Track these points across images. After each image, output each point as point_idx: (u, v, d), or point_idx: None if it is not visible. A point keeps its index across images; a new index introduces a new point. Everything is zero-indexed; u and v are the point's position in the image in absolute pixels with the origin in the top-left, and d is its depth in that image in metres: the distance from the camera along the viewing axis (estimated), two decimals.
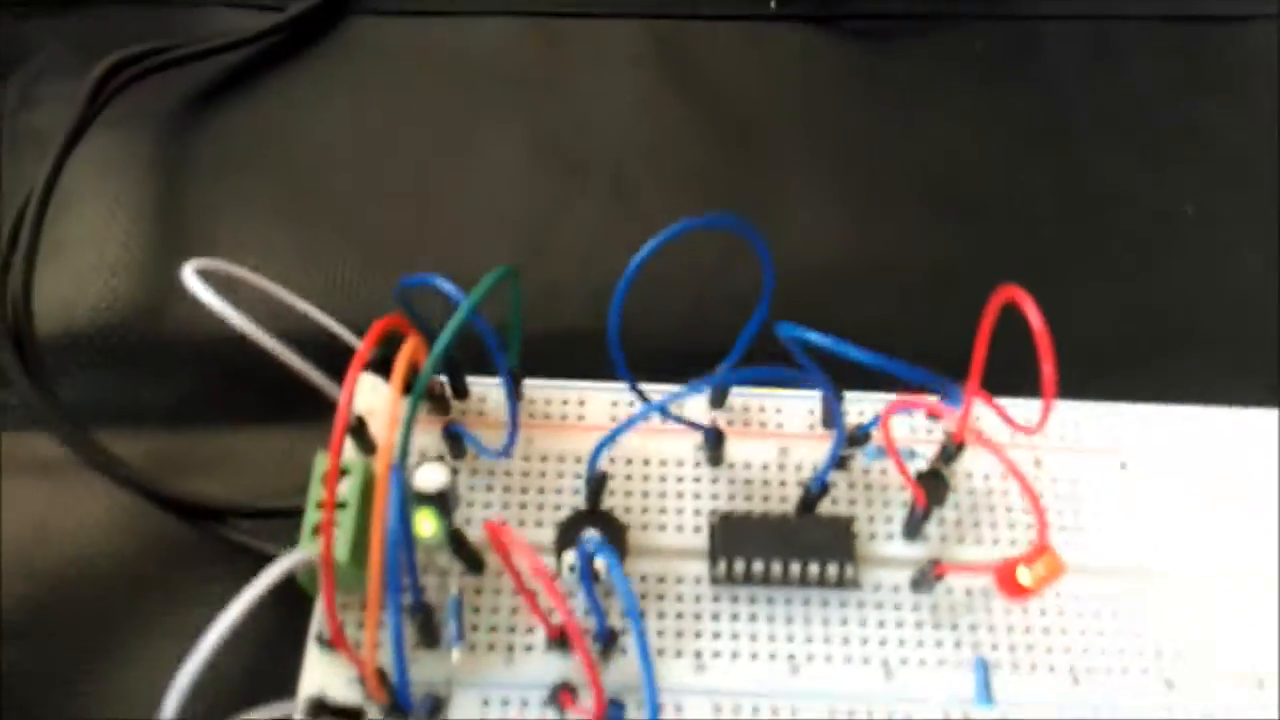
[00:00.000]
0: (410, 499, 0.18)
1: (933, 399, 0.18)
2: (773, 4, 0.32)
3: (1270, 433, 0.23)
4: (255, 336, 0.18)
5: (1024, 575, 0.18)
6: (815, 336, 0.18)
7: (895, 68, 0.31)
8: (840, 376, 0.20)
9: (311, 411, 0.21)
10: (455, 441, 0.22)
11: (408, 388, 0.18)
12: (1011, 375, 0.20)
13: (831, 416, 0.21)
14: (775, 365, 0.19)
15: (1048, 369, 0.17)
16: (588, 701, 0.19)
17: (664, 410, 0.20)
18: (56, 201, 0.25)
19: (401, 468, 0.16)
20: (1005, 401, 0.21)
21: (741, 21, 0.32)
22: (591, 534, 0.17)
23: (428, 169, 0.29)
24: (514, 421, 0.21)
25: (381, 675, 0.18)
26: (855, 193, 0.29)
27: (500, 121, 0.30)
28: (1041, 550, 0.18)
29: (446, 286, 0.18)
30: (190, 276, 0.18)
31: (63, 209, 0.26)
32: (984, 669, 0.20)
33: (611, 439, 0.18)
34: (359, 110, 0.30)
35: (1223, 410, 0.23)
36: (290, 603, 0.20)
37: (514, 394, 0.21)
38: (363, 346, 0.17)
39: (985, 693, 0.20)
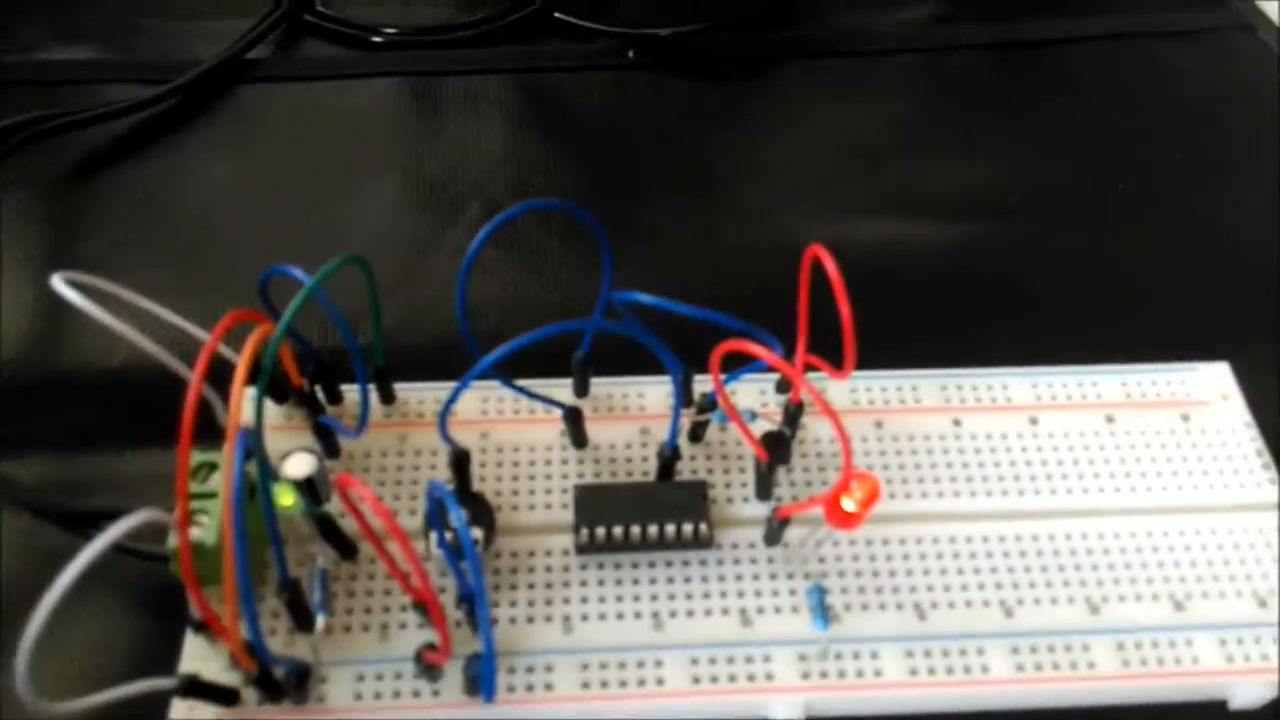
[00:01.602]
0: (270, 474, 0.19)
1: (754, 345, 0.19)
2: (630, 54, 0.35)
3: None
4: (127, 335, 0.19)
5: (847, 502, 0.19)
6: (645, 297, 0.20)
7: (736, 101, 0.34)
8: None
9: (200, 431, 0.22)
10: (328, 439, 0.23)
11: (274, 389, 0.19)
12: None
13: (681, 389, 0.22)
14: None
15: (845, 311, 0.19)
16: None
17: (491, 373, 0.21)
18: None
19: (249, 435, 0.17)
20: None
21: (602, 71, 0.35)
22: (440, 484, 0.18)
23: (310, 215, 0.31)
24: (364, 399, 0.22)
25: (250, 648, 0.19)
26: (703, 212, 0.31)
27: (379, 170, 0.32)
28: (854, 477, 0.19)
29: (296, 273, 0.19)
30: (59, 283, 0.19)
31: None
32: (819, 593, 0.21)
33: (452, 400, 0.20)
34: (244, 166, 0.32)
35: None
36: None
37: (365, 374, 0.23)
38: (214, 333, 0.18)
39: (821, 616, 0.21)
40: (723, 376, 0.21)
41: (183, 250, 0.29)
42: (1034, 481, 0.24)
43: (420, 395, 0.24)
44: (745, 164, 0.33)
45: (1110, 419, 0.25)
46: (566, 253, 0.29)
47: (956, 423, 0.25)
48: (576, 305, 0.28)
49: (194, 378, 0.18)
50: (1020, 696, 0.21)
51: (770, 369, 0.20)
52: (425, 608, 0.20)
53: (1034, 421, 0.25)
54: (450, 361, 0.24)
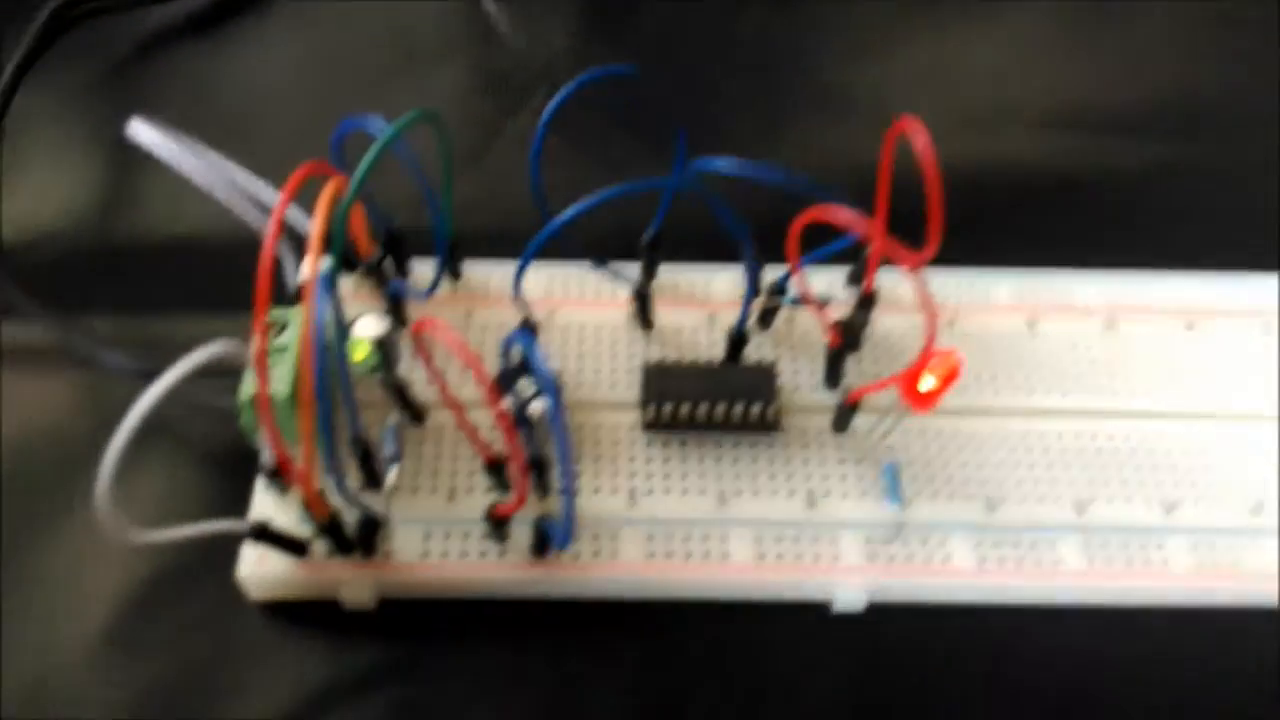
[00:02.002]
0: (344, 327, 0.19)
1: (843, 211, 0.19)
2: None
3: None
4: (203, 180, 0.19)
5: (925, 381, 0.19)
6: (724, 164, 0.19)
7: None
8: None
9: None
10: (398, 307, 0.23)
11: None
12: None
13: (748, 270, 0.22)
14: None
15: (932, 184, 0.19)
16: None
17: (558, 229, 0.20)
18: (14, 126, 0.27)
19: (332, 273, 0.17)
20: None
21: None
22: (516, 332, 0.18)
23: (372, 101, 0.30)
24: (443, 255, 0.22)
25: (322, 497, 0.19)
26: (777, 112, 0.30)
27: (442, 56, 0.31)
28: (934, 354, 0.19)
29: (374, 125, 0.19)
30: (138, 127, 0.19)
31: (22, 131, 0.27)
32: (893, 472, 0.21)
33: (526, 259, 0.20)
34: (305, 51, 0.31)
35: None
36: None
37: (446, 239, 0.22)
38: (290, 181, 0.18)
39: (895, 495, 0.21)
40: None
41: (242, 132, 0.29)
42: (1111, 381, 0.23)
43: (487, 271, 0.24)
44: (825, 60, 0.32)
45: (1190, 326, 0.24)
46: (634, 144, 0.29)
47: (1031, 323, 0.24)
48: (644, 197, 0.28)
49: (272, 219, 0.17)
50: (1092, 590, 0.21)
51: (847, 254, 0.19)
52: (501, 463, 0.20)
53: (1110, 325, 0.24)
54: (515, 244, 0.24)
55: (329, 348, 0.20)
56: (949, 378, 0.19)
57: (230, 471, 0.22)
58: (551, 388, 0.16)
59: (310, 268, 0.17)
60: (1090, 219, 0.27)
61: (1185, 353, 0.24)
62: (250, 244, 0.25)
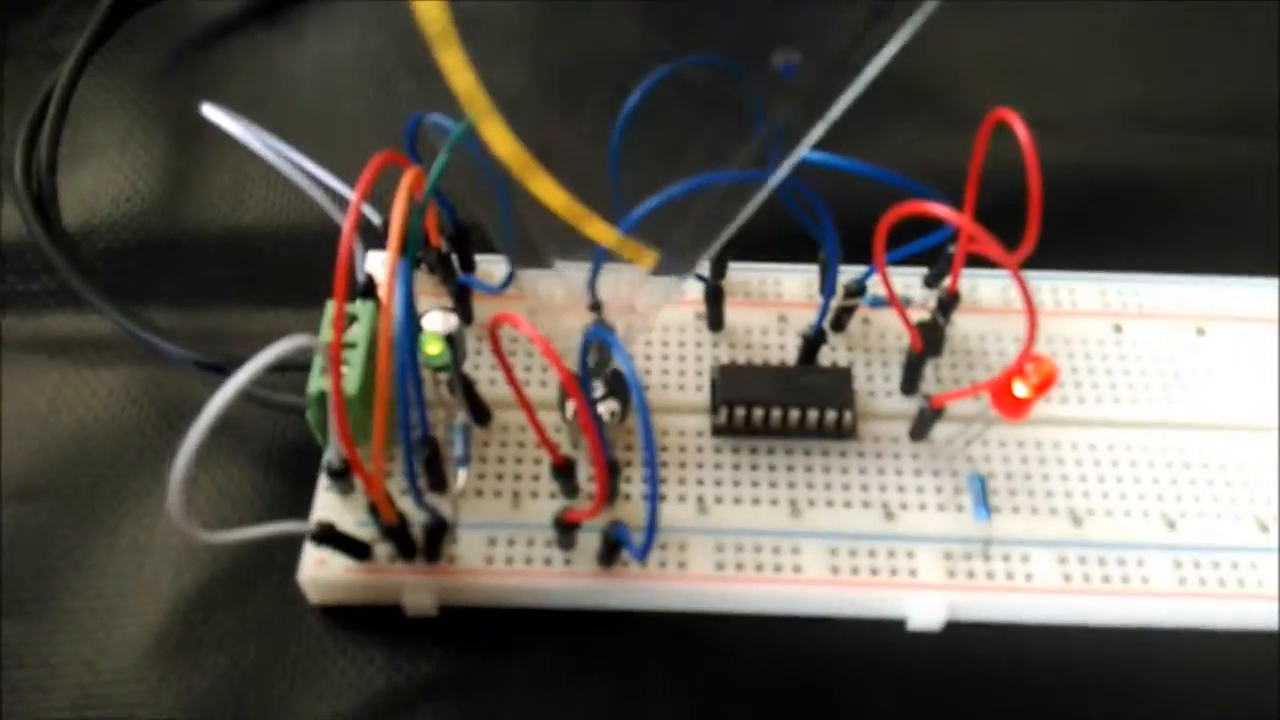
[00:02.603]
0: (416, 321, 0.19)
1: (937, 206, 0.18)
2: None
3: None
4: (271, 158, 0.19)
5: (1019, 387, 0.18)
6: (818, 157, 0.18)
7: None
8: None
9: (328, 289, 0.22)
10: (464, 303, 0.22)
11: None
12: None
13: (830, 266, 0.21)
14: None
15: (1034, 177, 0.18)
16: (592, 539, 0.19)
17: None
18: (79, 110, 0.26)
19: (409, 266, 0.17)
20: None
21: None
22: (593, 326, 0.17)
23: (432, 94, 0.30)
24: (511, 251, 0.21)
25: (389, 498, 0.18)
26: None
27: (506, 46, 0.31)
28: (1031, 359, 0.18)
29: (443, 121, 0.19)
30: (211, 111, 0.19)
31: (86, 115, 0.27)
32: (980, 483, 0.20)
33: (599, 262, 0.19)
34: (366, 39, 0.31)
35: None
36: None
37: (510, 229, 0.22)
38: (367, 170, 0.18)
39: (983, 506, 0.20)
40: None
41: (306, 122, 0.29)
42: (1200, 393, 0.22)
43: (548, 278, 0.24)
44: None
45: None
46: (706, 138, 0.28)
47: (1117, 329, 0.23)
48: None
49: (351, 209, 0.17)
50: (1183, 611, 0.20)
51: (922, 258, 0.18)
52: (567, 467, 0.19)
53: (1201, 332, 0.23)
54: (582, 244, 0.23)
55: (375, 341, 0.20)
56: (1045, 384, 0.18)
57: (291, 470, 0.22)
58: (637, 385, 0.16)
59: (390, 260, 0.16)
60: (1177, 222, 0.26)
61: (1275, 360, 0.23)
62: (314, 235, 0.25)
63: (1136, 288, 0.24)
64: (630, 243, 0.19)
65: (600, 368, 0.21)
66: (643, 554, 0.17)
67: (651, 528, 0.17)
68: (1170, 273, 0.24)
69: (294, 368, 0.21)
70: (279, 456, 0.22)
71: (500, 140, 0.18)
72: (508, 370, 0.18)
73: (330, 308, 0.20)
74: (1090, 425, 0.22)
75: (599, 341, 0.17)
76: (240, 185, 0.26)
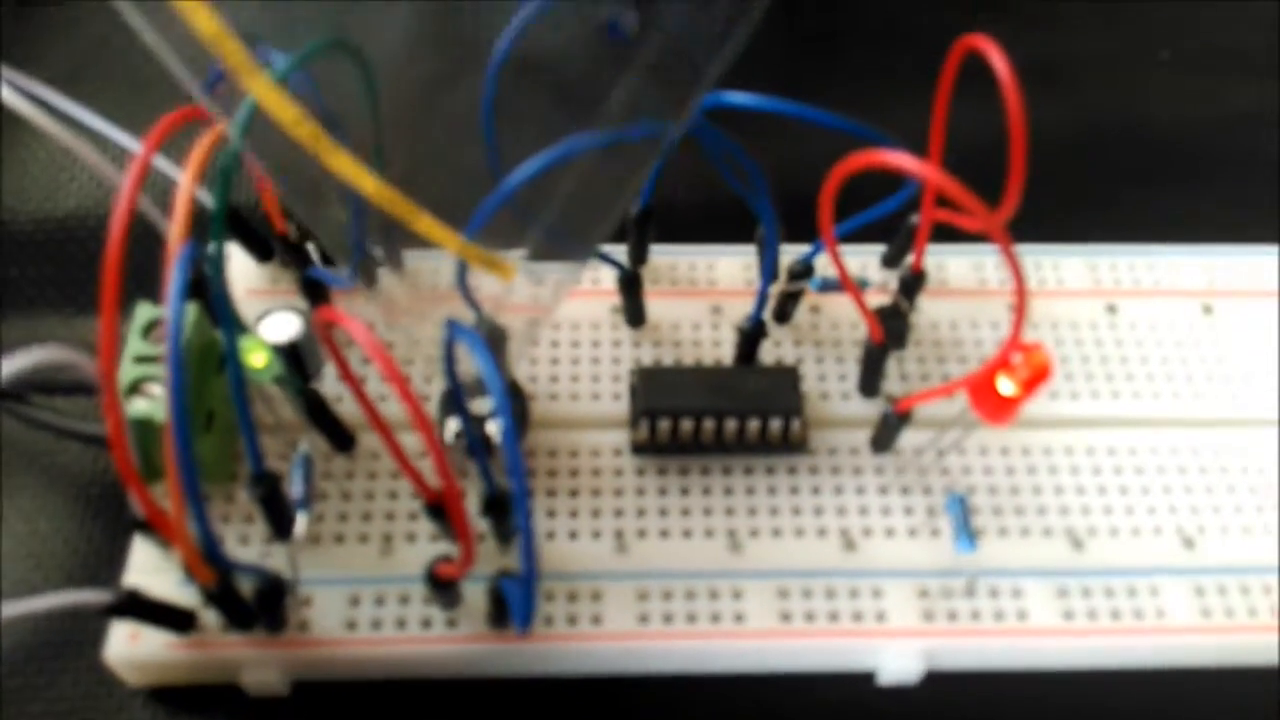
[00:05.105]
0: (236, 326, 0.15)
1: (897, 155, 0.14)
2: None
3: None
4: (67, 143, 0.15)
5: (1005, 383, 0.14)
6: (740, 98, 0.15)
7: None
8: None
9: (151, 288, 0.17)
10: (319, 301, 0.18)
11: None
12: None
13: (767, 244, 0.17)
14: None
15: (1016, 124, 0.14)
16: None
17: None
18: None
19: (195, 249, 0.13)
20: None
21: None
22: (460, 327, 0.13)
23: None
24: (359, 240, 0.17)
25: (207, 552, 0.14)
26: None
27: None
28: (1020, 348, 0.14)
29: (272, 57, 0.14)
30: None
31: None
32: (960, 503, 0.16)
33: (473, 231, 0.15)
34: None
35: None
36: None
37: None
38: (150, 139, 0.14)
39: (966, 535, 0.16)
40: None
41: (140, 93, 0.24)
42: (1211, 382, 0.19)
43: (434, 265, 0.20)
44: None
45: None
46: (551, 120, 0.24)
47: (1111, 309, 0.20)
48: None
49: (131, 174, 0.13)
50: (1208, 649, 0.16)
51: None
52: (440, 505, 0.15)
53: (1208, 310, 0.20)
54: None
55: (203, 353, 0.16)
56: (1036, 378, 0.14)
57: (110, 520, 0.18)
58: (503, 396, 0.12)
59: (174, 241, 0.12)
60: (1177, 184, 0.23)
61: None
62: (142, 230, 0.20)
63: (1132, 261, 0.20)
64: (475, 249, 0.15)
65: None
66: (524, 620, 0.13)
67: (529, 588, 0.13)
68: (1170, 242, 0.21)
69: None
70: (97, 502, 0.18)
71: (276, 105, 0.13)
72: (351, 381, 0.14)
73: (142, 311, 0.16)
74: (1086, 425, 0.18)
75: (460, 342, 0.13)
76: (53, 173, 0.22)
